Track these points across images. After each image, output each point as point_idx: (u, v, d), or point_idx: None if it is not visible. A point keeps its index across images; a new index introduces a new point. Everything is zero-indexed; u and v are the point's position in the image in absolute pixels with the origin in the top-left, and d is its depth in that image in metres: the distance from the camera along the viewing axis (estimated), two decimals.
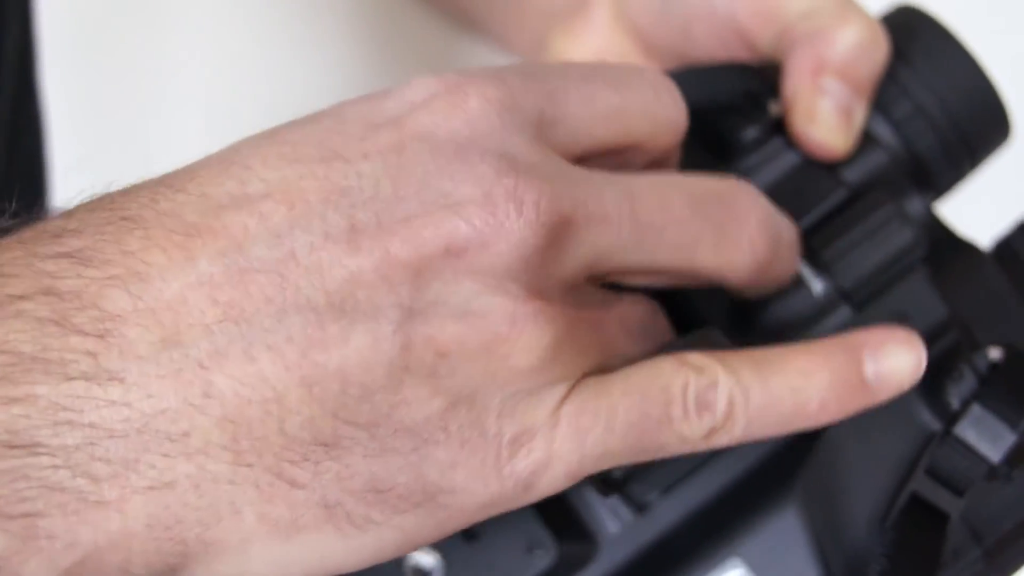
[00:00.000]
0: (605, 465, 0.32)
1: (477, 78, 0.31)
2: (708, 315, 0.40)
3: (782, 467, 0.38)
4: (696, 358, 0.33)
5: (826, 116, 0.40)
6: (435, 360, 0.29)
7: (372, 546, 0.29)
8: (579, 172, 0.31)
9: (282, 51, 0.75)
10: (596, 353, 0.32)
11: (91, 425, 0.26)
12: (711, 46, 0.45)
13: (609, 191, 0.31)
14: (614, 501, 0.39)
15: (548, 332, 0.30)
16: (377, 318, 0.28)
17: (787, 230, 0.37)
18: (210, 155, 0.30)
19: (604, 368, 0.32)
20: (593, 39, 0.49)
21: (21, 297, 0.27)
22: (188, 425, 0.27)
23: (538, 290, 0.30)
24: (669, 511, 0.38)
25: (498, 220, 0.29)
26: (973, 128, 0.43)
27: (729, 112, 0.42)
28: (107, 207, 0.29)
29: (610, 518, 0.38)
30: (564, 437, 0.31)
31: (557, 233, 0.30)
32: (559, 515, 0.39)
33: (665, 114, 0.34)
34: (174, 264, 0.28)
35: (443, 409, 0.29)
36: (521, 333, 0.29)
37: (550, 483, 0.31)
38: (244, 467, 0.27)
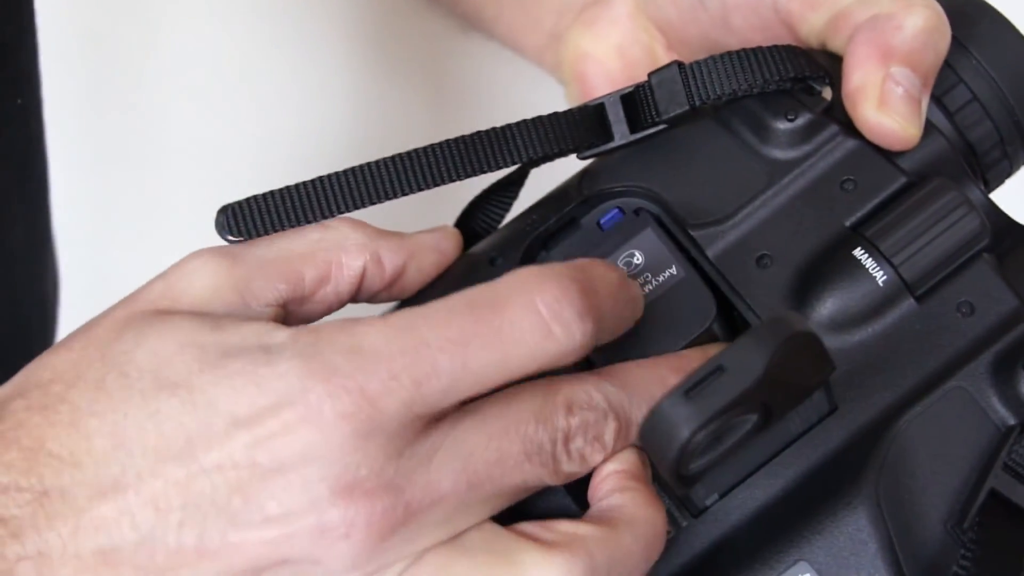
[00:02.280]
0: None
1: (334, 387, 0.32)
2: (761, 302, 0.38)
3: (848, 467, 0.36)
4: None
5: (898, 104, 0.39)
6: None
7: None
8: (420, 460, 0.33)
9: (289, 53, 0.73)
10: None
11: None
12: (751, 35, 0.43)
13: (446, 471, 0.33)
14: (669, 504, 0.36)
15: None
16: None
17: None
18: (103, 422, 0.33)
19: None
20: (613, 32, 0.47)
21: None
22: None
23: None
24: (728, 515, 0.36)
25: (329, 543, 0.32)
26: None
27: (781, 97, 0.40)
28: (22, 470, 0.33)
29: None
30: None
31: (390, 533, 0.32)
32: None
33: (556, 350, 0.33)
34: (66, 552, 0.33)
35: None
36: None
37: None
38: None
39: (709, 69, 0.40)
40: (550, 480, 0.34)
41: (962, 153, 0.41)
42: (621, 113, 0.41)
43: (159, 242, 0.87)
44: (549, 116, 0.41)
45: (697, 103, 0.40)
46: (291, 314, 0.37)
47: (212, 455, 0.32)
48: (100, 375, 0.34)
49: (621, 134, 0.41)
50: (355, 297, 0.38)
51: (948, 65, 0.41)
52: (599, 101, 0.41)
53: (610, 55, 0.47)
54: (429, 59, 0.72)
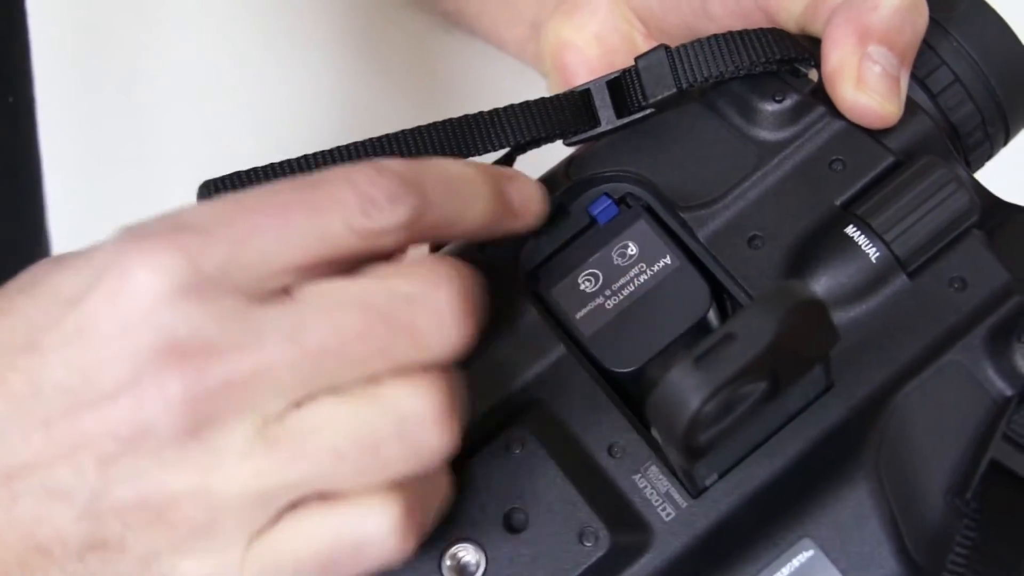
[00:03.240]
0: None
1: (148, 246, 0.32)
2: (752, 282, 0.38)
3: (847, 443, 0.36)
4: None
5: (876, 83, 0.39)
6: (122, 529, 0.33)
7: None
8: (242, 325, 0.32)
9: (275, 52, 0.73)
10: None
11: None
12: (730, 22, 0.44)
13: (270, 338, 0.32)
14: (668, 486, 0.36)
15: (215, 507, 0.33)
16: (69, 501, 0.32)
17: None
18: None
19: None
20: (593, 21, 0.47)
21: None
22: None
23: (205, 463, 0.32)
24: (728, 495, 0.36)
25: (151, 411, 0.32)
26: (1010, 96, 0.42)
27: (767, 79, 0.40)
28: None
29: (665, 504, 0.36)
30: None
31: (211, 397, 0.32)
32: (611, 503, 0.37)
33: (372, 225, 0.33)
34: None
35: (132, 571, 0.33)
36: (183, 507, 0.33)
37: None
38: None
39: (696, 52, 0.40)
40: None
41: (946, 134, 0.41)
42: (607, 98, 0.41)
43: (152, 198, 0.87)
44: (536, 101, 0.41)
45: (684, 86, 0.40)
46: None
47: (52, 337, 0.32)
48: None
49: (608, 119, 0.41)
50: None
51: (930, 47, 0.41)
52: (585, 86, 0.41)
53: (590, 44, 0.47)
54: (415, 56, 0.72)
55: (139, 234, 0.32)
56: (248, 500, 0.32)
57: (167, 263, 0.32)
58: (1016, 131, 0.43)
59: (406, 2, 0.64)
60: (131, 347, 0.32)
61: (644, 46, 0.47)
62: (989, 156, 0.43)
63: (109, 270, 0.32)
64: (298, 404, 0.33)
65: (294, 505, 0.33)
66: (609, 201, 0.40)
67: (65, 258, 0.34)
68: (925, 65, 0.41)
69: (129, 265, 0.32)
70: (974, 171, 0.43)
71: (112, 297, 0.32)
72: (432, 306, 0.33)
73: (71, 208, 0.77)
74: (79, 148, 0.79)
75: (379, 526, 0.33)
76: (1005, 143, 0.43)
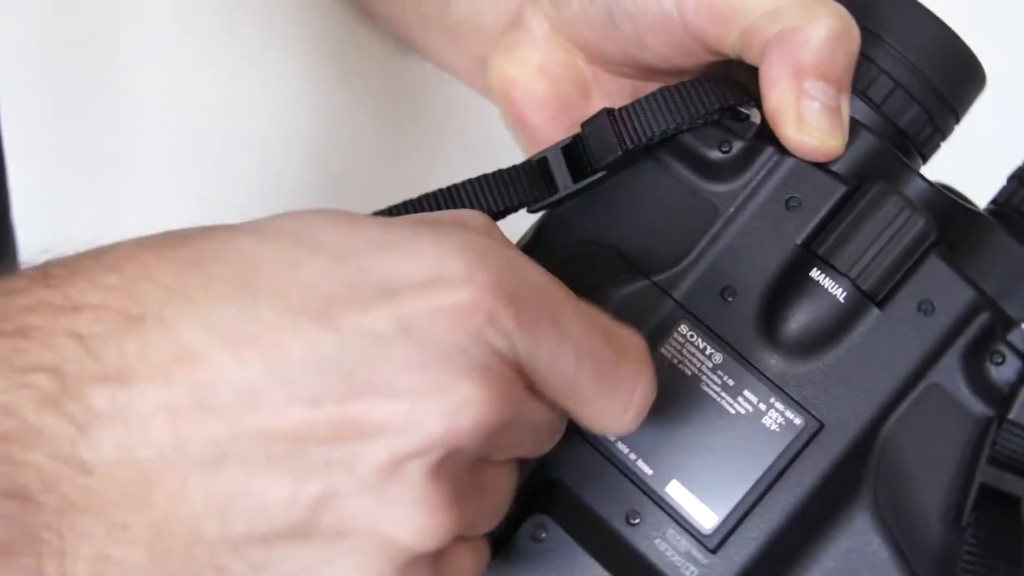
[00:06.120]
0: None
1: (485, 282, 0.32)
2: (732, 335, 0.40)
3: (843, 482, 0.38)
4: None
5: (816, 120, 0.40)
6: (336, 529, 0.32)
7: None
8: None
9: (242, 76, 0.73)
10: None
11: (66, 497, 0.31)
12: (666, 51, 0.44)
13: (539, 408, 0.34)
14: (687, 546, 0.39)
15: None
16: (306, 480, 0.31)
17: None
18: (231, 266, 0.32)
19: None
20: (533, 54, 0.48)
21: (36, 369, 0.31)
22: (129, 518, 0.31)
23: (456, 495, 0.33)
24: (743, 547, 0.38)
25: (419, 423, 0.31)
26: (951, 87, 0.42)
27: (711, 129, 0.41)
28: (119, 293, 0.32)
29: (688, 564, 0.39)
30: None
31: (491, 438, 0.32)
32: (635, 570, 0.39)
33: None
34: (154, 384, 0.31)
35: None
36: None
37: None
38: (152, 565, 0.32)
39: (637, 112, 0.41)
40: None
41: (895, 141, 0.42)
42: (563, 164, 0.42)
43: (124, 204, 0.88)
44: (495, 173, 0.42)
45: (630, 146, 0.41)
46: None
47: (352, 318, 0.31)
48: (232, 232, 0.32)
49: (565, 184, 0.42)
50: None
51: (866, 58, 0.41)
52: (542, 155, 0.42)
53: (534, 77, 0.48)
54: (379, 74, 0.72)
55: (473, 263, 0.32)
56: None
57: (492, 307, 0.32)
58: (964, 113, 0.43)
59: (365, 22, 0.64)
60: (451, 368, 0.31)
61: (588, 73, 0.48)
62: (943, 140, 0.44)
63: (440, 285, 0.32)
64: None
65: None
66: None
67: (366, 240, 0.32)
68: (864, 77, 0.42)
69: (466, 296, 0.31)
70: (930, 157, 0.44)
71: (444, 313, 0.31)
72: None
73: (38, 208, 0.78)
74: (45, 152, 0.79)
75: None
76: (956, 124, 0.44)
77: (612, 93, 0.46)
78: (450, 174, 0.44)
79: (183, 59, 0.74)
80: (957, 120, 0.43)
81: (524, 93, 0.48)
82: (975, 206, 0.42)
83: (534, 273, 0.34)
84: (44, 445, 0.31)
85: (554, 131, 0.46)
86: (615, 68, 0.46)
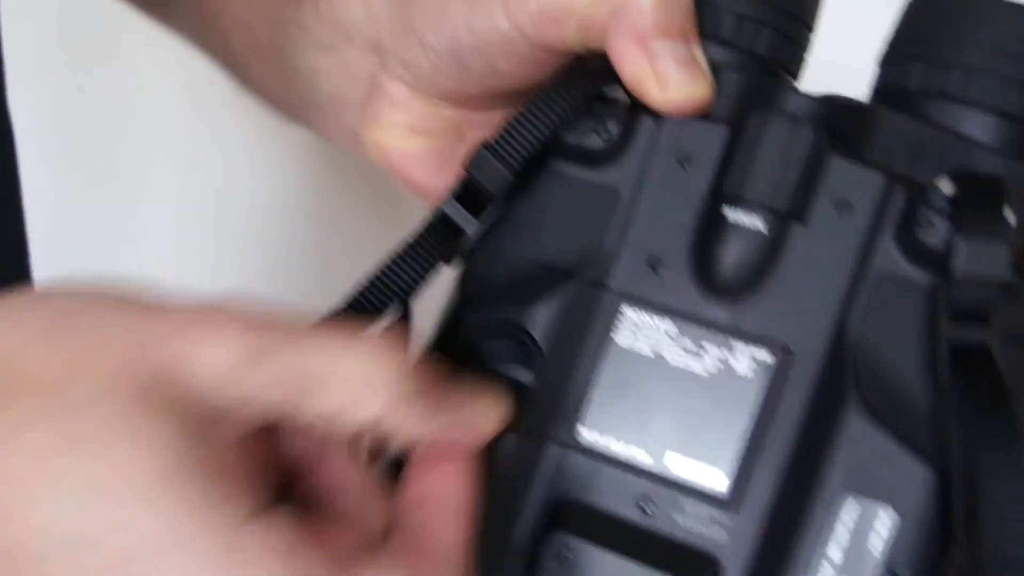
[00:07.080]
0: None
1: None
2: (675, 301, 0.40)
3: (830, 393, 0.38)
4: None
5: (675, 75, 0.41)
6: None
7: None
8: None
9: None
10: None
11: None
12: (522, 71, 0.45)
13: None
14: (708, 511, 0.39)
15: None
16: None
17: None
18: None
19: None
20: (399, 116, 0.48)
21: None
22: None
23: None
24: (760, 492, 0.38)
25: None
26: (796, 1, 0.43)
27: (584, 121, 0.42)
28: None
29: (715, 528, 0.39)
30: None
31: None
32: (671, 555, 0.39)
33: None
34: None
35: None
36: None
37: None
38: None
39: (510, 134, 0.42)
40: None
41: (760, 69, 0.43)
42: (459, 209, 0.43)
43: (130, 243, 0.92)
44: (402, 246, 0.42)
45: (517, 168, 0.42)
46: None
47: None
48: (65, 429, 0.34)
49: (470, 227, 0.42)
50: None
51: (704, 3, 0.42)
52: (438, 208, 0.43)
53: (406, 138, 0.48)
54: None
55: None
56: None
57: None
58: (813, 19, 0.44)
59: None
60: None
61: (457, 117, 0.48)
62: (804, 52, 0.45)
63: None
64: None
65: None
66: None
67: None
68: (708, 21, 0.42)
69: None
70: (799, 71, 0.45)
71: None
72: None
73: (51, 212, 0.78)
74: (57, 155, 0.80)
75: None
76: (811, 32, 0.45)
77: (486, 127, 0.46)
78: None
79: (193, 118, 0.75)
80: (810, 28, 0.44)
81: (401, 156, 0.48)
82: (860, 102, 0.42)
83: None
84: None
85: (443, 182, 0.46)
86: (481, 104, 0.47)
